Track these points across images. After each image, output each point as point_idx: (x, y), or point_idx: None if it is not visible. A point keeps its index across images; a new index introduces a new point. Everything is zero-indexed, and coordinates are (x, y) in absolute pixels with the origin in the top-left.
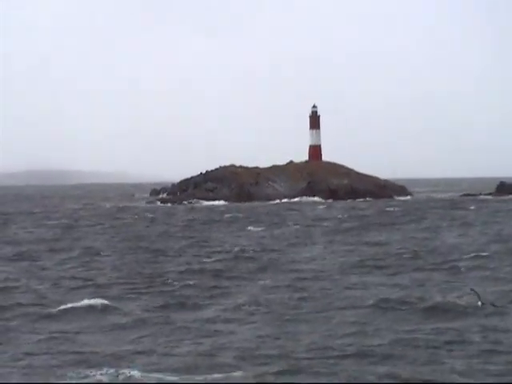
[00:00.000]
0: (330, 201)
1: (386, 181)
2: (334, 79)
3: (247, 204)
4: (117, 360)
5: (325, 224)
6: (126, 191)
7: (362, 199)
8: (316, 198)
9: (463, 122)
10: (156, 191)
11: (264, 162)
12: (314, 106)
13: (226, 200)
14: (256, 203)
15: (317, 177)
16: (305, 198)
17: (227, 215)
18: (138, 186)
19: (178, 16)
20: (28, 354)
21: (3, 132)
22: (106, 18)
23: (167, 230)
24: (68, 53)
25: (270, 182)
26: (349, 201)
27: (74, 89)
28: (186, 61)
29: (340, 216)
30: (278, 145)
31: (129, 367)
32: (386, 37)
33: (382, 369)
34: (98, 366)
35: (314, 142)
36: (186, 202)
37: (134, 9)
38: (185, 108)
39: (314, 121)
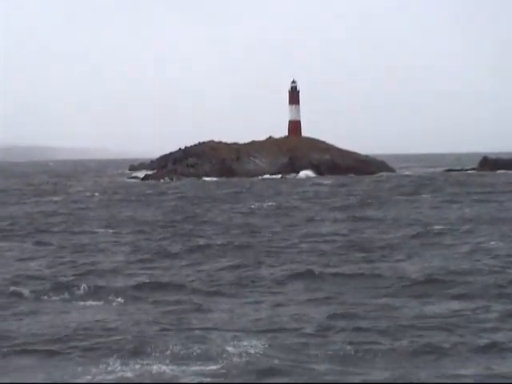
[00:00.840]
0: (314, 176)
1: (366, 156)
2: (313, 55)
3: (235, 179)
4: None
5: (328, 200)
6: (105, 167)
7: (345, 175)
8: (307, 172)
9: (441, 98)
10: (135, 167)
11: (243, 138)
12: (294, 81)
13: (207, 176)
14: (236, 179)
15: (298, 152)
16: (303, 174)
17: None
18: (114, 162)
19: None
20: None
21: None
22: None
23: (164, 208)
24: (42, 26)
25: (251, 158)
26: (332, 176)
27: (48, 63)
28: (165, 37)
29: (334, 192)
30: (256, 121)
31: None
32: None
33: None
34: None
35: (294, 118)
36: (167, 178)
37: None
38: (162, 85)
39: (294, 96)
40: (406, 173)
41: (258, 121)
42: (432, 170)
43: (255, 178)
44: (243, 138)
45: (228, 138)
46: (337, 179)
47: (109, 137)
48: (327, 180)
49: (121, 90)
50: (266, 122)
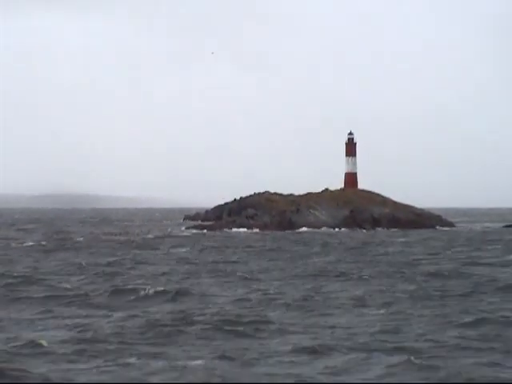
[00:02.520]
0: (379, 229)
1: (421, 210)
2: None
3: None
4: None
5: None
6: (158, 216)
7: (405, 229)
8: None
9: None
10: (190, 217)
11: (297, 189)
12: (351, 133)
13: (266, 227)
14: (305, 230)
15: (358, 205)
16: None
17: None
18: (162, 211)
19: (206, 43)
20: None
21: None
22: (128, 45)
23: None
24: (88, 79)
25: (310, 210)
26: (393, 230)
27: (96, 114)
28: (215, 90)
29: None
30: (310, 172)
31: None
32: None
33: None
34: None
35: (350, 170)
36: (229, 229)
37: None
38: (206, 135)
39: (350, 148)
40: (470, 227)
41: (310, 172)
42: (491, 224)
43: (318, 230)
44: (295, 190)
45: (280, 189)
46: (405, 234)
47: (154, 185)
48: (395, 235)
49: (169, 139)
50: (319, 174)
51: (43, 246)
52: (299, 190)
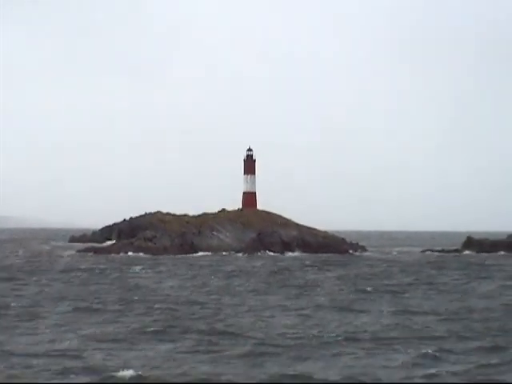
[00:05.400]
0: (291, 254)
1: (324, 232)
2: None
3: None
4: None
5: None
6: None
7: (316, 253)
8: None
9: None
10: (76, 239)
11: (190, 210)
12: (250, 150)
13: (165, 251)
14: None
15: (263, 227)
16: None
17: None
18: (40, 232)
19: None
20: None
21: None
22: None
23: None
24: None
25: (214, 232)
26: (306, 254)
27: None
28: (106, 101)
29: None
30: (204, 191)
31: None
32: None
33: None
34: None
35: (249, 189)
36: (129, 253)
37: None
38: (95, 149)
39: (250, 165)
40: (390, 252)
41: (204, 191)
42: (406, 249)
43: (224, 254)
44: (188, 210)
45: (170, 209)
46: (333, 258)
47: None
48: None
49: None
50: (215, 194)
51: None
52: (192, 210)
